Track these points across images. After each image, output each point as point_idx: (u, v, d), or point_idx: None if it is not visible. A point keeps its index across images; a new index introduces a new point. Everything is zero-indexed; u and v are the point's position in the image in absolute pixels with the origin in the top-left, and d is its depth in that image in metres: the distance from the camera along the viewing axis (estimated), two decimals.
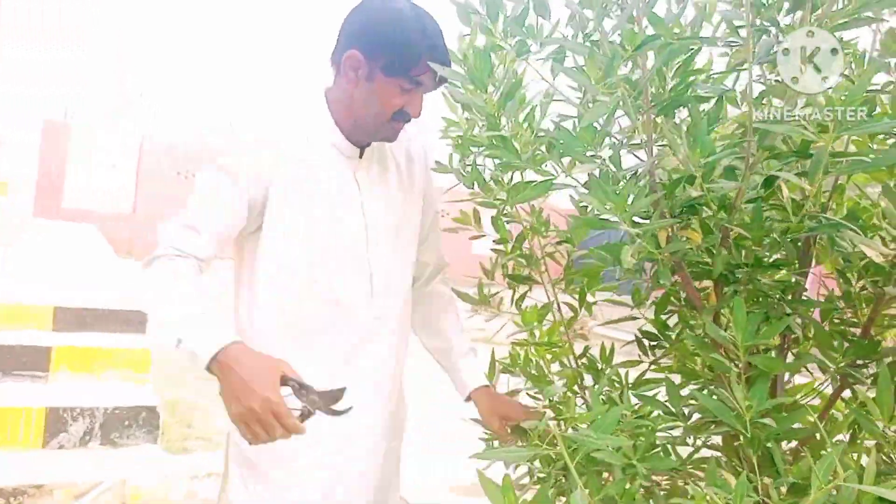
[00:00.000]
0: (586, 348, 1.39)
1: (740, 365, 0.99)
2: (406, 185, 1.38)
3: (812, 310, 1.13)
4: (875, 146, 1.11)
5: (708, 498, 0.88)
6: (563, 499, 1.13)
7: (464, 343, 1.44)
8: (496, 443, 1.39)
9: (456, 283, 1.54)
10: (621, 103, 1.11)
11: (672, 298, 1.27)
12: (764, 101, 1.17)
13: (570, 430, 1.04)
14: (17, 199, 8.18)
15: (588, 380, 1.39)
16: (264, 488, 1.24)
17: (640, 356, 1.35)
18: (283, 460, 1.24)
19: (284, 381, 1.03)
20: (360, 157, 1.29)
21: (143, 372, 3.60)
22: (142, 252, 12.56)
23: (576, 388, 1.41)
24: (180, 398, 4.50)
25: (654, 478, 1.17)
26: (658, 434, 1.16)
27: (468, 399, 1.39)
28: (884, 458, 0.95)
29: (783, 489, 0.92)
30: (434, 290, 1.51)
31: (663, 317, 1.32)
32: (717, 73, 1.25)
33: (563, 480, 1.14)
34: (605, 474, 1.04)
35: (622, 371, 1.35)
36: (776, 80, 1.17)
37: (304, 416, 1.04)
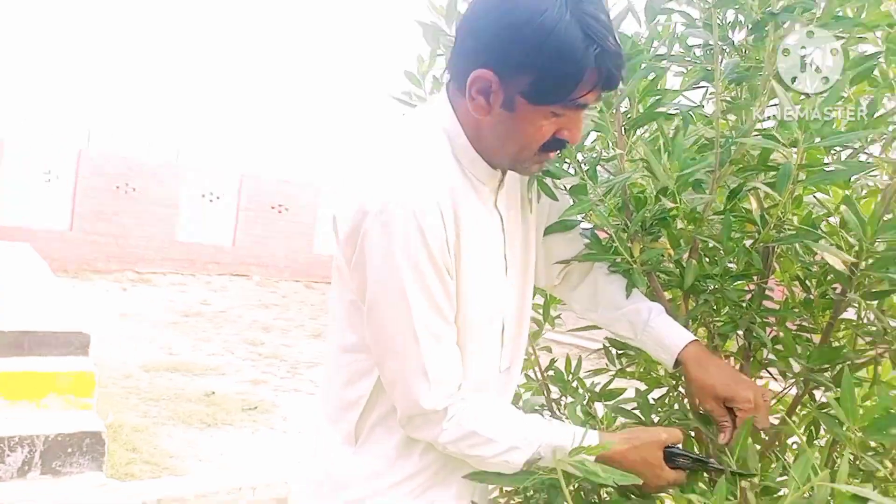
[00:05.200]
0: (552, 360, 1.40)
1: None
2: (534, 199, 1.12)
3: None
4: (828, 158, 1.16)
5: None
6: None
7: (646, 301, 1.13)
8: None
9: None
10: (598, 120, 1.14)
11: None
12: (726, 118, 1.22)
13: None
14: None
15: (554, 392, 1.40)
16: None
17: (606, 365, 1.37)
18: None
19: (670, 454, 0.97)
20: (502, 180, 1.02)
21: (87, 396, 3.44)
22: (78, 270, 12.10)
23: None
24: (124, 421, 4.32)
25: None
26: None
27: (677, 364, 1.07)
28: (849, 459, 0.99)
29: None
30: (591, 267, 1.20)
31: None
32: (680, 90, 1.29)
33: (543, 494, 1.14)
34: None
35: (588, 381, 1.37)
36: (733, 98, 1.22)
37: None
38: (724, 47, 1.19)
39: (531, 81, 0.85)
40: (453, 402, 0.94)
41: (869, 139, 1.05)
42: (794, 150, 0.99)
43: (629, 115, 1.16)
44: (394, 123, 1.02)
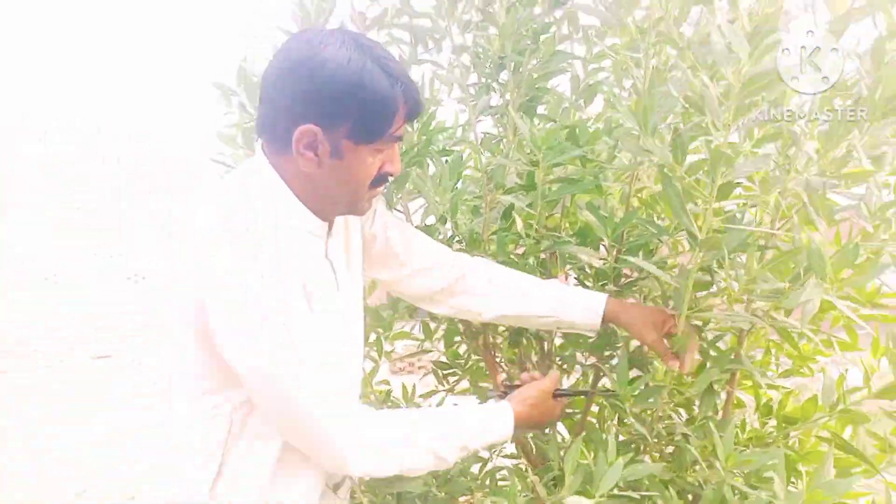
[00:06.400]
0: (388, 392, 1.47)
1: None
2: (353, 243, 1.14)
3: None
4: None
5: None
6: None
7: (541, 280, 1.19)
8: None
9: None
10: None
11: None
12: (498, 147, 1.36)
13: None
14: None
15: None
16: None
17: (436, 386, 1.46)
18: None
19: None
20: (329, 230, 1.06)
21: None
22: None
23: None
24: None
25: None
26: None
27: (606, 322, 1.13)
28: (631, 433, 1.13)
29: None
30: (466, 272, 1.19)
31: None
32: (459, 126, 1.43)
33: None
34: None
35: (424, 403, 1.45)
36: (502, 128, 1.36)
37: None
38: (495, 85, 1.34)
39: (353, 126, 0.93)
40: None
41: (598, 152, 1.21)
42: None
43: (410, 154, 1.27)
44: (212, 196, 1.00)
